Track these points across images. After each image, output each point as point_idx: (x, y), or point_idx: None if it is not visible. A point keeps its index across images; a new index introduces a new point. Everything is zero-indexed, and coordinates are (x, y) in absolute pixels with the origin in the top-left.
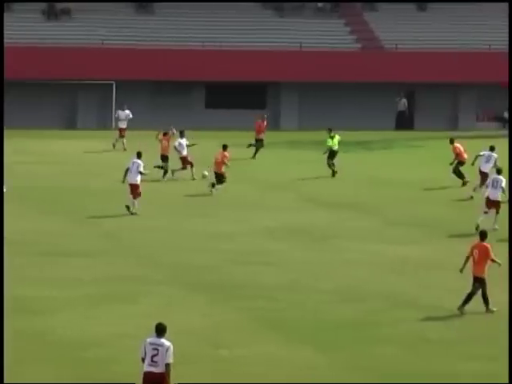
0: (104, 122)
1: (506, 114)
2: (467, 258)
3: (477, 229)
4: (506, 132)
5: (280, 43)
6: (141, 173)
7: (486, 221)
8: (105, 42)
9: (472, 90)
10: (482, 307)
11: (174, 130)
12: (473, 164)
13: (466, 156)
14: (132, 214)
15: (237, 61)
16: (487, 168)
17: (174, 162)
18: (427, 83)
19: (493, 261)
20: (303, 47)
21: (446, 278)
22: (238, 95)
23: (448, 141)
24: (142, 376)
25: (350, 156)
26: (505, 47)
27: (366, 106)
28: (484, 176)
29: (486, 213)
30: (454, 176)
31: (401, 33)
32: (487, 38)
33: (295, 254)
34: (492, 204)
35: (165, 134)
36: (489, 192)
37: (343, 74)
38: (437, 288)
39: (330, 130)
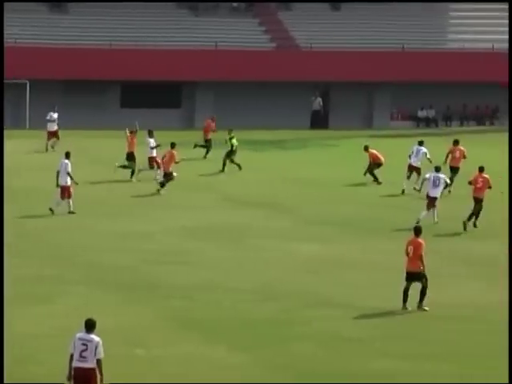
0: (17, 121)
1: (420, 113)
2: (406, 254)
3: (418, 223)
4: (420, 131)
5: (195, 42)
6: (68, 174)
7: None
8: (18, 40)
9: (386, 89)
10: (398, 305)
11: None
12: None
13: (382, 158)
14: (70, 213)
15: (152, 60)
16: (416, 162)
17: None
18: (342, 82)
19: (420, 259)
20: (218, 46)
21: (361, 277)
22: (154, 94)
23: (363, 143)
24: (72, 372)
25: (266, 155)
26: (418, 46)
27: (281, 105)
28: (413, 169)
29: (428, 210)
30: (368, 175)
31: (315, 32)
32: (401, 38)
33: (212, 254)
34: (433, 201)
35: (131, 132)
36: (429, 189)
37: (258, 73)
38: (351, 286)
39: (231, 131)
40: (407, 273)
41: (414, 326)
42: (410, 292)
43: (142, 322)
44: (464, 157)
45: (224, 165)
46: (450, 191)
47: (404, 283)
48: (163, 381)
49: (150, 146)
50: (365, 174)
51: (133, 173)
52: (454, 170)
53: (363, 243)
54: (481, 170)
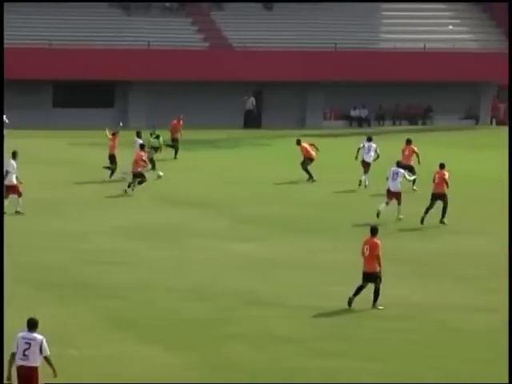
0: None
1: (353, 113)
2: (362, 254)
3: (378, 215)
4: (353, 130)
5: (127, 42)
6: (11, 173)
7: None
8: None
9: (319, 89)
10: (332, 304)
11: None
12: (356, 158)
13: (313, 153)
14: (17, 213)
15: (84, 59)
16: (369, 158)
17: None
18: (275, 82)
19: (377, 258)
20: (151, 46)
21: (295, 276)
22: (86, 94)
23: (295, 141)
24: (14, 371)
25: (199, 154)
26: (350, 46)
27: (214, 105)
28: (367, 165)
29: (387, 204)
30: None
31: (248, 32)
32: (333, 37)
33: (147, 254)
34: (393, 195)
35: (113, 134)
36: (389, 184)
37: (191, 72)
38: (286, 286)
39: (154, 130)
40: (363, 273)
41: (347, 325)
42: (363, 291)
43: (75, 322)
44: (417, 155)
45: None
46: (414, 188)
47: (360, 282)
48: (98, 381)
49: (137, 146)
50: (303, 169)
51: (112, 173)
52: (408, 168)
53: (298, 242)
54: (441, 166)
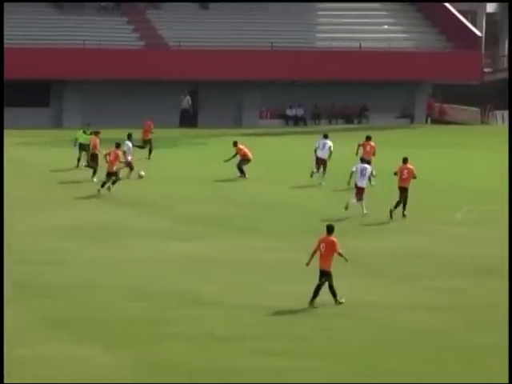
0: None
1: (289, 112)
2: (314, 252)
3: (346, 208)
4: (289, 129)
5: (63, 41)
6: None
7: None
8: None
9: (255, 88)
10: (272, 303)
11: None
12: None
13: (250, 155)
14: None
15: (19, 58)
16: (324, 154)
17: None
18: (211, 81)
19: (340, 254)
20: (86, 45)
21: (234, 275)
22: (21, 93)
23: (232, 141)
24: None
25: (135, 154)
26: (286, 45)
27: (149, 104)
28: (321, 161)
29: (357, 199)
30: (237, 171)
31: (184, 31)
32: (270, 37)
33: (84, 253)
34: (362, 191)
35: (95, 133)
36: (357, 180)
37: (127, 71)
38: (225, 285)
39: (87, 128)
40: (320, 271)
41: (288, 324)
42: (321, 290)
43: (10, 323)
44: (374, 153)
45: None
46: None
47: (317, 280)
48: (33, 381)
49: (130, 149)
50: (237, 167)
51: (94, 173)
52: (368, 163)
53: (236, 242)
54: (405, 161)
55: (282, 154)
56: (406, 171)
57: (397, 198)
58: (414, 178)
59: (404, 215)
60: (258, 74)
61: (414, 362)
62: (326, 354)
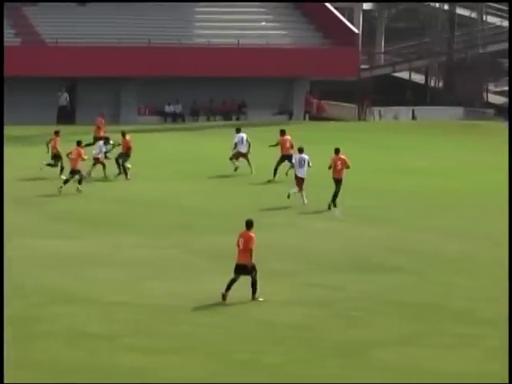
0: None
1: (167, 108)
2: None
3: (288, 197)
4: (167, 126)
5: None
6: None
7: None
8: None
9: (133, 85)
10: (147, 299)
11: None
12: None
13: (129, 148)
14: None
15: None
16: (244, 149)
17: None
18: (88, 77)
19: (250, 252)
20: None
21: (108, 272)
22: None
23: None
24: None
25: (11, 151)
26: (164, 41)
27: (26, 101)
28: (243, 156)
29: (298, 188)
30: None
31: (61, 27)
32: (147, 33)
33: None
34: (302, 181)
35: (56, 133)
36: (296, 170)
37: (4, 68)
38: (98, 282)
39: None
40: (236, 265)
41: (162, 321)
42: (235, 285)
43: None
44: (292, 146)
45: None
46: (287, 174)
47: (232, 274)
48: None
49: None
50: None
51: (62, 170)
52: (288, 158)
53: (108, 239)
54: (337, 151)
55: (160, 151)
56: (339, 162)
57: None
58: (348, 167)
59: (335, 205)
60: (135, 71)
61: (290, 357)
62: (203, 351)
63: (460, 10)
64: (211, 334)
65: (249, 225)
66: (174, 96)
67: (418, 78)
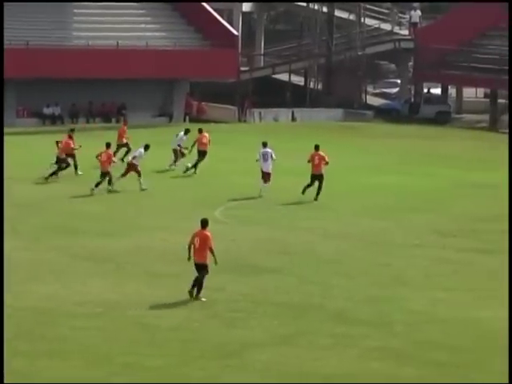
0: None
1: (46, 110)
2: (190, 246)
3: (260, 196)
4: (46, 128)
5: None
6: None
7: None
8: None
9: (11, 87)
10: (26, 302)
11: None
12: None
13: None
14: None
15: None
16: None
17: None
18: None
19: (211, 251)
20: None
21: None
22: None
23: None
24: None
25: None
26: (43, 43)
27: None
28: (203, 153)
29: (265, 182)
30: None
31: None
32: (25, 34)
33: None
34: (268, 176)
35: (70, 133)
36: (262, 165)
37: None
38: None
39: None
40: (195, 264)
41: (42, 324)
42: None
43: None
44: (209, 142)
45: None
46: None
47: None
48: None
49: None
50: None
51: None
52: (203, 154)
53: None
54: (316, 148)
55: (37, 153)
56: (317, 157)
57: (305, 184)
58: (326, 163)
59: (316, 200)
60: (14, 72)
61: (171, 359)
62: (85, 354)
63: (338, 12)
64: (92, 336)
65: (204, 224)
66: (53, 98)
67: (298, 79)
